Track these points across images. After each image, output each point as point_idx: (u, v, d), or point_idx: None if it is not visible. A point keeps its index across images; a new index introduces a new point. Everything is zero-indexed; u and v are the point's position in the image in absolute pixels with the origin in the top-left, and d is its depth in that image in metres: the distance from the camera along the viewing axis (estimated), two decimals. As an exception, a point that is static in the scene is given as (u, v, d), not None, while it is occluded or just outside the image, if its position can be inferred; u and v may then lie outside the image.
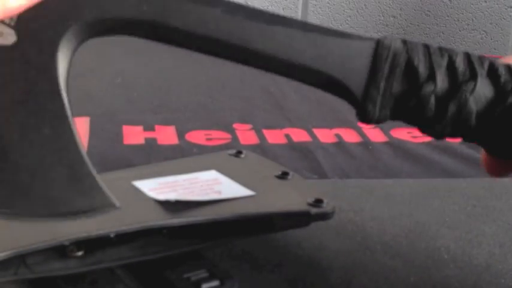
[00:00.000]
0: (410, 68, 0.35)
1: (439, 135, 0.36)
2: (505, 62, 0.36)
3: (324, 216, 0.47)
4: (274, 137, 0.76)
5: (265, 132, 0.78)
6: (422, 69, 0.35)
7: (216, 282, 0.40)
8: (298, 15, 1.63)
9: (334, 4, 1.62)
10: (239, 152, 0.57)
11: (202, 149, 0.71)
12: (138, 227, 0.41)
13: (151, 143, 0.72)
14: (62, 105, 0.32)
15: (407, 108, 0.35)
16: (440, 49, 0.36)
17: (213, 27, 0.33)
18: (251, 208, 0.46)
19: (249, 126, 0.79)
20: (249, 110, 0.85)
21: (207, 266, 0.42)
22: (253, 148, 0.71)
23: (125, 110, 0.83)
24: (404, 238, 0.52)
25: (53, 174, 0.32)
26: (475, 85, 0.35)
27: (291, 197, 0.49)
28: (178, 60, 0.97)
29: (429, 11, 1.60)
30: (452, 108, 0.35)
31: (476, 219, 0.56)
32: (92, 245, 0.40)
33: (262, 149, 0.72)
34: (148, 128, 0.77)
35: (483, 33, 1.59)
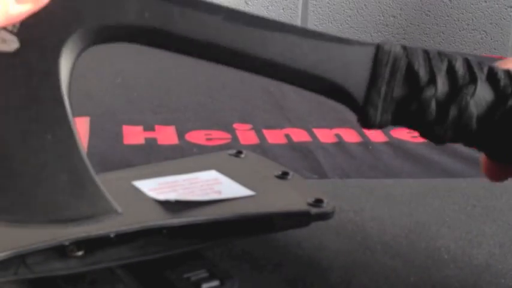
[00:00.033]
0: (410, 72, 0.35)
1: (440, 140, 0.36)
2: (502, 66, 0.36)
3: (324, 216, 0.47)
4: (274, 137, 0.76)
5: (265, 132, 0.78)
6: (422, 73, 0.35)
7: (216, 282, 0.40)
8: (298, 15, 1.63)
9: (334, 4, 1.62)
10: (239, 152, 0.57)
11: (202, 149, 0.71)
12: (138, 227, 0.41)
13: (151, 143, 0.72)
14: (64, 111, 0.32)
15: (409, 113, 0.35)
16: (440, 54, 0.36)
17: (214, 33, 0.33)
18: (251, 208, 0.46)
19: (249, 126, 0.79)
20: (249, 110, 0.85)
21: (207, 266, 0.42)
22: (253, 148, 0.71)
23: (125, 110, 0.84)
24: (404, 238, 0.52)
25: (55, 180, 0.32)
26: (475, 89, 0.35)
27: (291, 197, 0.49)
28: (178, 60, 0.97)
29: (429, 11, 1.60)
30: (453, 111, 0.35)
31: (476, 219, 0.56)
32: (92, 245, 0.40)
33: (262, 149, 0.72)
34: (148, 128, 0.77)
35: (483, 33, 1.59)
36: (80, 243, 0.40)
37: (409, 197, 0.60)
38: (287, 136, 0.77)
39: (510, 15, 1.57)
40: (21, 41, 0.31)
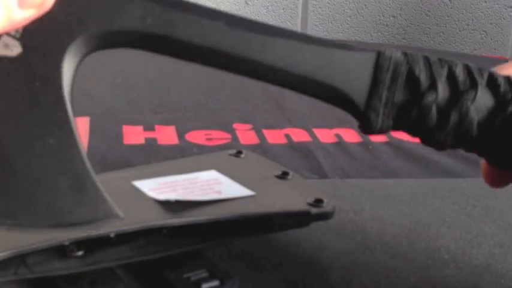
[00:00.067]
0: (411, 77, 0.35)
1: (441, 146, 0.37)
2: (502, 72, 0.37)
3: (324, 216, 0.47)
4: (274, 137, 0.76)
5: (265, 132, 0.78)
6: (423, 79, 0.35)
7: (216, 282, 0.40)
8: (298, 15, 1.63)
9: (334, 4, 1.62)
10: (239, 152, 0.57)
11: (202, 149, 0.71)
12: (138, 227, 0.41)
13: (151, 143, 0.72)
14: (66, 115, 0.32)
15: (410, 118, 0.36)
16: (440, 60, 0.36)
17: (216, 39, 0.33)
18: (251, 208, 0.46)
19: (249, 126, 0.79)
20: (249, 110, 0.85)
21: (207, 266, 0.42)
22: (253, 148, 0.71)
23: (125, 110, 0.84)
24: (404, 238, 0.52)
25: (57, 184, 0.32)
26: (475, 94, 0.35)
27: (291, 197, 0.49)
28: (178, 60, 0.97)
29: (429, 11, 1.60)
30: (454, 117, 0.35)
31: (476, 219, 0.56)
32: (92, 245, 0.40)
33: (262, 149, 0.72)
34: (148, 128, 0.77)
35: (483, 33, 1.59)
36: (80, 243, 0.40)
37: (409, 197, 0.60)
38: (287, 136, 0.77)
39: (510, 15, 1.57)
40: (24, 46, 0.31)
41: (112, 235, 0.40)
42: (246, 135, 0.76)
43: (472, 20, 1.59)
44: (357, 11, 1.62)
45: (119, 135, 0.74)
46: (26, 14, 0.30)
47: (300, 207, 0.47)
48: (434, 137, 0.36)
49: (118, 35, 0.33)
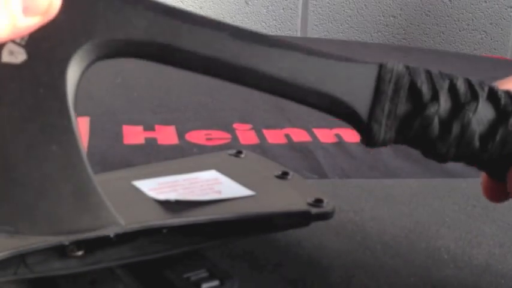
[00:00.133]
0: (413, 89, 0.36)
1: (442, 158, 0.37)
2: (501, 87, 0.37)
3: (324, 216, 0.47)
4: (274, 137, 0.76)
5: (265, 132, 0.78)
6: (425, 91, 0.36)
7: (216, 282, 0.40)
8: (298, 15, 1.63)
9: (334, 4, 1.62)
10: (239, 152, 0.57)
11: (202, 149, 0.71)
12: (138, 227, 0.41)
13: (151, 143, 0.72)
14: (70, 123, 0.32)
15: (412, 130, 0.36)
16: (441, 73, 0.37)
17: (220, 50, 0.34)
18: (251, 208, 0.46)
19: (249, 126, 0.79)
20: (249, 110, 0.85)
21: (207, 266, 0.42)
22: (253, 148, 0.71)
23: (125, 110, 0.84)
24: (404, 238, 0.52)
25: (59, 191, 0.32)
26: (476, 106, 0.36)
27: (291, 197, 0.49)
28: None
29: (429, 11, 1.60)
30: (456, 128, 0.36)
31: (476, 219, 0.56)
32: (92, 245, 0.40)
33: (262, 149, 0.72)
34: (148, 127, 0.77)
35: (483, 33, 1.59)
36: (80, 243, 0.40)
37: (409, 197, 0.60)
38: (287, 136, 0.77)
39: (510, 15, 1.57)
40: (29, 53, 0.32)
41: (112, 235, 0.40)
42: (246, 135, 0.76)
43: (472, 20, 1.59)
44: (357, 11, 1.62)
45: (119, 135, 0.74)
46: (30, 22, 0.30)
47: (300, 207, 0.47)
48: (436, 149, 0.37)
49: (123, 44, 0.33)
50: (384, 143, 0.36)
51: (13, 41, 0.31)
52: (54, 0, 0.31)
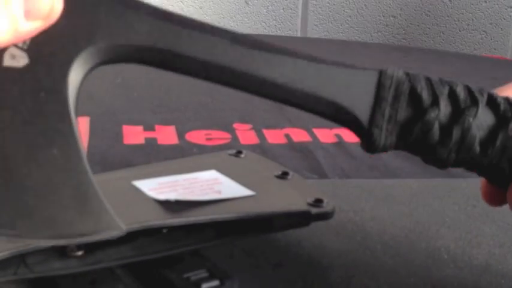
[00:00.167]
0: (413, 95, 0.36)
1: (443, 163, 0.37)
2: (500, 94, 0.38)
3: (324, 216, 0.47)
4: (274, 137, 0.76)
5: (265, 132, 0.78)
6: (425, 96, 0.36)
7: (216, 282, 0.40)
8: (298, 15, 1.63)
9: (334, 4, 1.62)
10: (239, 152, 0.57)
11: (202, 149, 0.71)
12: (138, 227, 0.41)
13: (151, 143, 0.72)
14: (71, 127, 0.32)
15: (413, 135, 0.36)
16: (441, 80, 0.37)
17: (221, 56, 0.34)
18: (251, 208, 0.46)
19: (249, 126, 0.79)
20: (249, 110, 0.85)
21: (207, 266, 0.42)
22: (253, 148, 0.71)
23: (125, 109, 0.84)
24: (404, 238, 0.52)
25: (59, 195, 0.32)
26: (476, 111, 0.36)
27: (291, 197, 0.49)
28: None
29: (429, 11, 1.60)
30: (456, 133, 0.36)
31: (476, 219, 0.56)
32: (92, 244, 0.40)
33: (262, 149, 0.72)
34: (148, 127, 0.77)
35: (483, 33, 1.59)
36: (80, 243, 0.40)
37: (409, 197, 0.60)
38: (287, 136, 0.77)
39: (510, 15, 1.57)
40: (31, 57, 0.32)
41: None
42: (246, 135, 0.76)
43: (472, 20, 1.59)
44: (357, 11, 1.62)
45: (119, 135, 0.74)
46: (32, 26, 0.30)
47: (300, 207, 0.47)
48: (437, 154, 0.37)
49: (125, 49, 0.33)
50: (385, 149, 0.37)
51: (15, 45, 0.31)
52: (56, 4, 0.31)
